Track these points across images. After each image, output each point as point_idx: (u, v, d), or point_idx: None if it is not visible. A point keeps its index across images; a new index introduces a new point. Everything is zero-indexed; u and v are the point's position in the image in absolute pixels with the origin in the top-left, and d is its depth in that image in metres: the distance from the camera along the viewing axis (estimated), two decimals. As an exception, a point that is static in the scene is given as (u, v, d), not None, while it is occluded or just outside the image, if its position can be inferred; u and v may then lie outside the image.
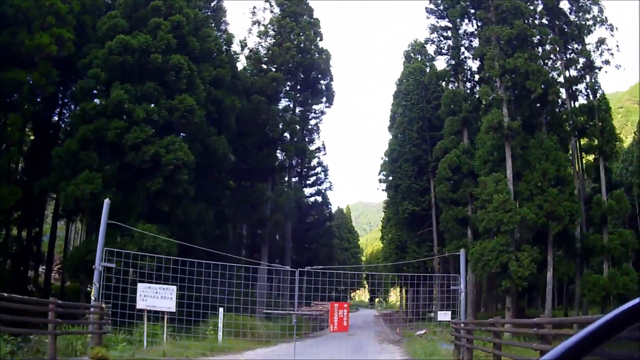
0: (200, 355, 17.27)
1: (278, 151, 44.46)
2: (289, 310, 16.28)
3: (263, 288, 32.28)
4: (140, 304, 16.47)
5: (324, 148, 57.85)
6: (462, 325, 17.93)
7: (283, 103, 46.99)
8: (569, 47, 38.79)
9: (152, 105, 28.55)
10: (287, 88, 47.06)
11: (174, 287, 16.57)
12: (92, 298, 14.61)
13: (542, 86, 34.12)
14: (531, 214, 31.62)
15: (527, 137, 34.93)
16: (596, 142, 36.54)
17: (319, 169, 58.00)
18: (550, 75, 36.28)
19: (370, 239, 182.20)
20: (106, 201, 16.39)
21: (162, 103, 28.55)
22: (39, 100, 32.38)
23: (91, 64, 28.96)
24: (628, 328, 1.66)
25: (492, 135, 35.16)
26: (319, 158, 57.22)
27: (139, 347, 16.64)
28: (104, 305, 14.47)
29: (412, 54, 61.42)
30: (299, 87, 48.12)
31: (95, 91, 29.40)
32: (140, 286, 16.55)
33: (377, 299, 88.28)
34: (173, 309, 16.48)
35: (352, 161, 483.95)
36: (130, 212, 26.85)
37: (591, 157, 39.07)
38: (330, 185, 77.37)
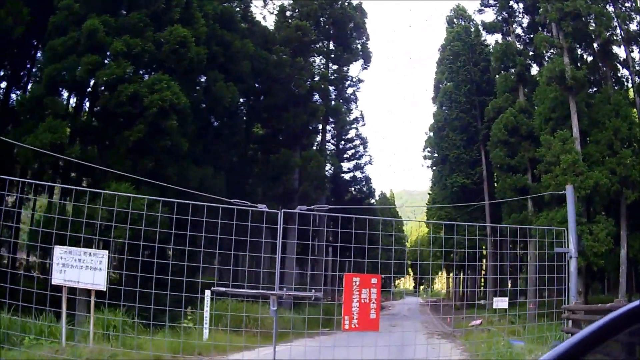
0: (151, 357, 11.21)
1: (307, 114, 37.51)
2: (268, 290, 9.29)
3: (291, 266, 25.66)
4: (56, 278, 10.60)
5: (362, 119, 51.35)
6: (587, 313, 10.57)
7: (312, 61, 40.78)
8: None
9: (136, 38, 22.49)
10: (317, 45, 40.72)
11: (105, 252, 10.64)
12: None
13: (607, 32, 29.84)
14: (604, 179, 27.12)
15: (590, 94, 31.43)
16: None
17: (357, 142, 52.20)
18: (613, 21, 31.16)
19: (414, 225, 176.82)
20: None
21: (149, 36, 22.46)
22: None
23: (68, -2, 23.32)
24: (629, 329, 1.70)
25: (554, 87, 30.78)
26: (357, 130, 51.65)
27: (58, 344, 10.79)
28: None
29: (454, 19, 55.99)
30: (331, 44, 41.89)
31: (69, 27, 23.57)
32: (58, 251, 10.61)
33: (421, 286, 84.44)
34: (102, 286, 10.48)
35: (395, 144, 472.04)
36: (108, 172, 21.19)
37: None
38: (371, 159, 71.63)
